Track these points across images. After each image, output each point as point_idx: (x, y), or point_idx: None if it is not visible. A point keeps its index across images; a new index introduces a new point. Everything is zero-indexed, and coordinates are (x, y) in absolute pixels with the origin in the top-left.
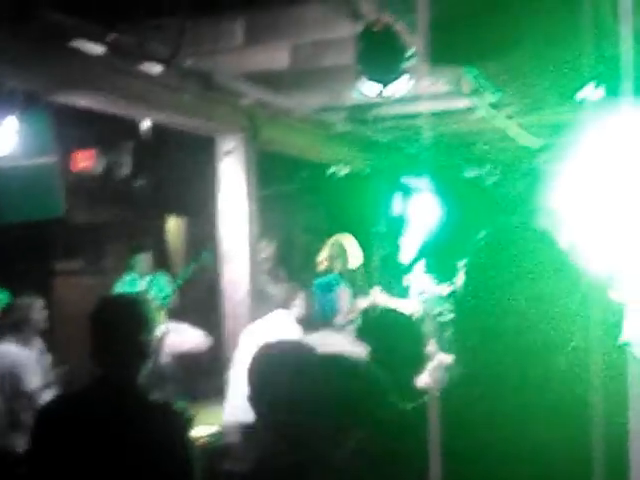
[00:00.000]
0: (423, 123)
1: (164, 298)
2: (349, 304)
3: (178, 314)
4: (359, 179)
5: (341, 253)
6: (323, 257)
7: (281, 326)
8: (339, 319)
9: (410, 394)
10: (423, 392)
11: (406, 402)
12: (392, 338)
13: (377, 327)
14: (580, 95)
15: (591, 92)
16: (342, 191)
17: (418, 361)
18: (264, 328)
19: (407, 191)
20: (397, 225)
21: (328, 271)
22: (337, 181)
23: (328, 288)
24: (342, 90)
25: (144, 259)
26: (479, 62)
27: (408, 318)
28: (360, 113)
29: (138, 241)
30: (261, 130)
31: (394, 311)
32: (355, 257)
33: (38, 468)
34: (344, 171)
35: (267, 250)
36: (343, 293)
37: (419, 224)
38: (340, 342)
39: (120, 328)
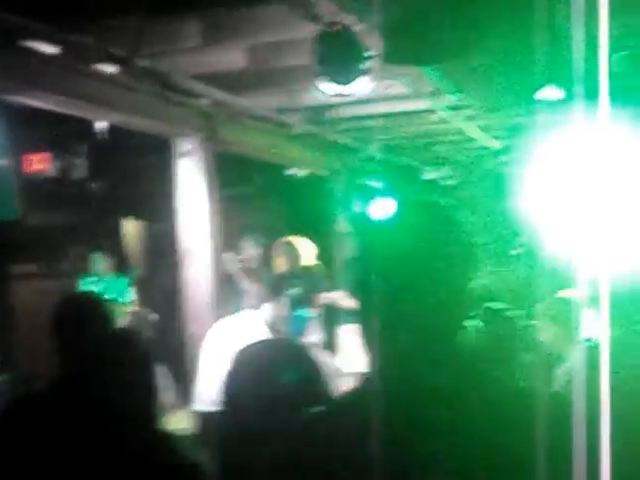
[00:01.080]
0: (382, 124)
1: (124, 300)
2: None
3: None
4: (319, 181)
5: (291, 254)
6: (277, 258)
7: (250, 326)
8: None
9: None
10: None
11: None
12: None
13: None
14: (538, 96)
15: (549, 93)
16: (301, 193)
17: None
18: (233, 327)
19: (367, 193)
20: (357, 226)
21: (278, 272)
22: (296, 183)
23: (300, 324)
24: (300, 91)
25: (102, 260)
26: (434, 63)
27: None
28: (319, 114)
29: (96, 243)
30: (219, 131)
31: None
32: (307, 258)
33: None
34: (303, 172)
35: (251, 250)
36: (313, 326)
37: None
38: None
39: (84, 325)
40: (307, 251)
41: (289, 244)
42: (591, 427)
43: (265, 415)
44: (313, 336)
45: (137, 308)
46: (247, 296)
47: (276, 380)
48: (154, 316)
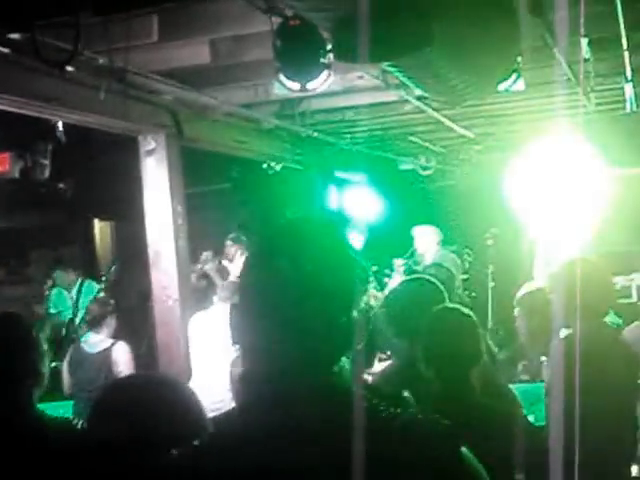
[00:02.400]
0: (354, 116)
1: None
2: None
3: (102, 323)
4: (291, 174)
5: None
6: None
7: (222, 319)
8: None
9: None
10: None
11: None
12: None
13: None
14: (502, 86)
15: (512, 83)
16: (274, 187)
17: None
18: (207, 319)
19: (342, 185)
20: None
21: None
22: (268, 177)
23: None
24: (267, 85)
25: (64, 273)
26: (385, 59)
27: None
28: (288, 108)
29: (58, 249)
30: (184, 128)
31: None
32: None
33: None
34: (276, 167)
35: (231, 248)
36: None
37: (356, 218)
38: None
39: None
40: None
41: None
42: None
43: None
44: None
45: (101, 296)
46: (220, 290)
47: (141, 419)
48: (112, 306)
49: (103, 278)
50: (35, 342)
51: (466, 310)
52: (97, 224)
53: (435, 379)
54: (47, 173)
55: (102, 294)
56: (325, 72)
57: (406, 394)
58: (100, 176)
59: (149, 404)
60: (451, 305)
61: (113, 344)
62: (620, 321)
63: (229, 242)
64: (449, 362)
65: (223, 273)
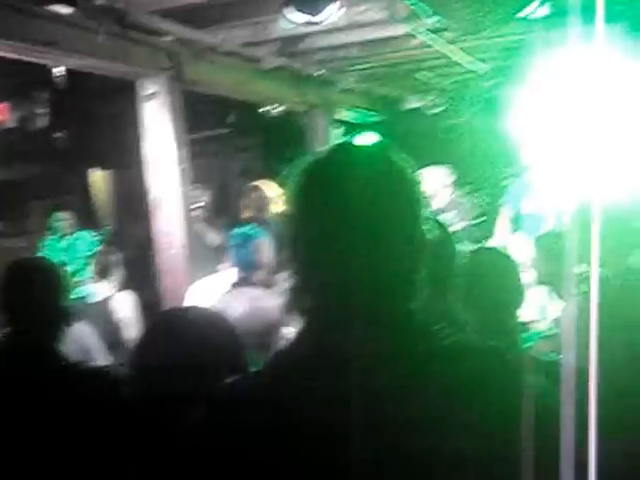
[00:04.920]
0: (358, 53)
1: (88, 256)
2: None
3: (110, 272)
4: (294, 117)
5: (262, 201)
6: (244, 205)
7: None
8: (260, 274)
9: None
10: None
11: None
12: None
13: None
14: (523, 13)
15: (535, 10)
16: (277, 131)
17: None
18: (211, 285)
19: (348, 127)
20: None
21: (250, 220)
22: (271, 120)
23: (243, 240)
24: (269, 22)
25: (63, 219)
26: None
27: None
28: (290, 46)
29: (57, 200)
30: (185, 70)
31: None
32: (278, 204)
33: None
34: (278, 109)
35: (202, 197)
36: (262, 245)
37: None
38: (256, 297)
39: (33, 290)
40: (277, 196)
41: (257, 190)
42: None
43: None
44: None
45: (104, 248)
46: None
47: (187, 348)
48: (119, 255)
49: (102, 229)
50: (58, 286)
51: (505, 251)
52: (97, 173)
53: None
54: (45, 122)
55: (104, 245)
56: (333, 4)
57: None
58: (99, 124)
59: (201, 332)
60: (489, 246)
61: (114, 293)
62: None
63: (199, 191)
64: (492, 308)
65: (214, 225)
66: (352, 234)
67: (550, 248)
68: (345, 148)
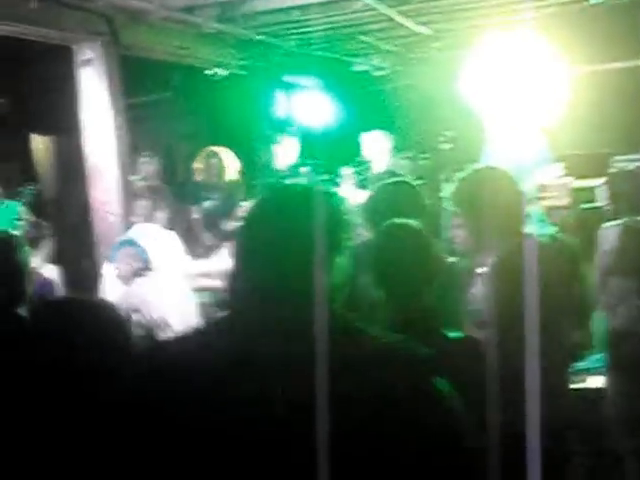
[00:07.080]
0: (300, 16)
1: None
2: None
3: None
4: (237, 81)
5: (216, 166)
6: (197, 167)
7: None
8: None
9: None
10: None
11: None
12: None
13: None
14: None
15: None
16: (220, 95)
17: None
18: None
19: (290, 90)
20: (282, 127)
21: (204, 183)
22: (213, 84)
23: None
24: None
25: None
26: None
27: None
28: (230, 10)
29: None
30: (121, 35)
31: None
32: (231, 169)
33: None
34: (220, 73)
35: (148, 165)
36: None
37: (306, 124)
38: None
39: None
40: (230, 162)
41: (213, 155)
42: None
43: None
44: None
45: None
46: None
47: None
48: (48, 227)
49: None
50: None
51: (416, 224)
52: (37, 139)
53: (387, 301)
54: None
55: (31, 216)
56: None
57: None
58: (36, 88)
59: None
60: (399, 220)
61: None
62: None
63: (144, 159)
64: (400, 282)
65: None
66: (280, 252)
67: None
68: (283, 189)
